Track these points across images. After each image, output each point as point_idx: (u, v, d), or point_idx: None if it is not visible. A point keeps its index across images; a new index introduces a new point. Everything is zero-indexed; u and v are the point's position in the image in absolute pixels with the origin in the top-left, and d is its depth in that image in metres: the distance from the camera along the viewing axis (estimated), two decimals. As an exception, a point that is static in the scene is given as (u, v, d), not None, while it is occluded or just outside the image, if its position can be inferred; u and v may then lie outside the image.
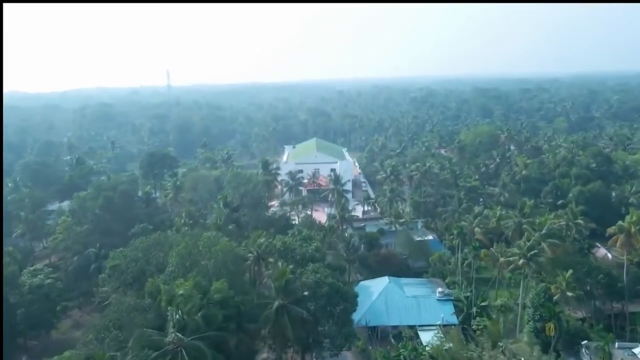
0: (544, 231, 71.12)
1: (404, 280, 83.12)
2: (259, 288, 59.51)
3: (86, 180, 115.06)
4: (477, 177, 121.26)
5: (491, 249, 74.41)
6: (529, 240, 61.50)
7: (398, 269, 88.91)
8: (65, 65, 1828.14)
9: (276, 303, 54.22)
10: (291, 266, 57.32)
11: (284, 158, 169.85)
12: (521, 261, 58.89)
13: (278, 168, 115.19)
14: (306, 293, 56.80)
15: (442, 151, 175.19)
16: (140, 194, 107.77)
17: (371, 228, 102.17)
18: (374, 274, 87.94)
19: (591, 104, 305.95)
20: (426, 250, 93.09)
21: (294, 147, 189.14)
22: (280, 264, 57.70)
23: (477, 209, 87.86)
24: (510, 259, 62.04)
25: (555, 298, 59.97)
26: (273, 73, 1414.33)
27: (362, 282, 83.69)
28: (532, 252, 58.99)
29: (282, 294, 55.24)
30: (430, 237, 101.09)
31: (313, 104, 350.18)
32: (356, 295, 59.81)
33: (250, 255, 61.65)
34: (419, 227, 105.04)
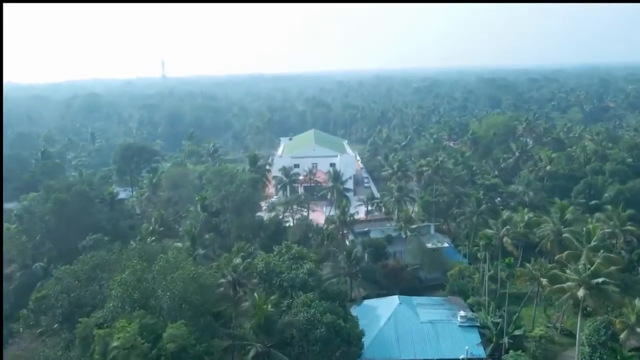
0: (593, 243, 57.02)
1: (417, 299, 69.11)
2: (235, 325, 45.42)
3: (52, 177, 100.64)
4: (496, 173, 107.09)
5: (527, 265, 60.15)
6: (591, 264, 46.90)
7: (409, 284, 75.11)
8: (62, 57, 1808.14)
9: (253, 350, 40.25)
10: (273, 297, 43.20)
11: (279, 151, 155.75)
12: (582, 292, 44.69)
13: (269, 164, 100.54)
14: (295, 331, 42.91)
15: (451, 144, 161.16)
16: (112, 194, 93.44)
17: (376, 233, 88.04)
18: (380, 288, 74.45)
19: (604, 93, 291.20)
20: (442, 261, 79.16)
21: (290, 139, 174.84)
22: (258, 294, 43.41)
23: (505, 214, 73.54)
24: (565, 286, 47.66)
25: (621, 337, 45.88)
26: (273, 64, 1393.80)
27: (366, 302, 69.74)
28: (598, 280, 44.50)
29: (263, 335, 41.30)
30: (446, 245, 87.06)
31: (312, 94, 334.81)
32: (362, 335, 45.92)
33: (223, 280, 47.45)
34: (432, 231, 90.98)
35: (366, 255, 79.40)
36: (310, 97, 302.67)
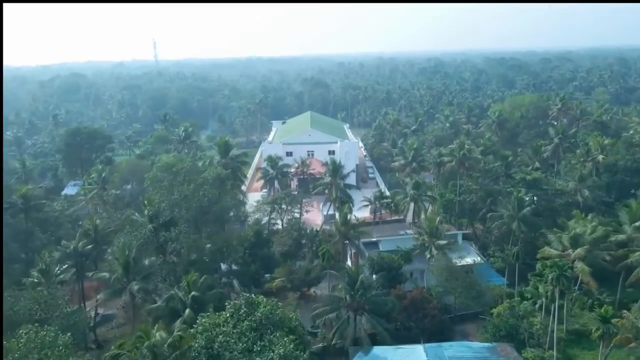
0: None
1: (449, 348, 48.59)
2: None
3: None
4: (537, 165, 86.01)
5: (628, 314, 39.38)
6: None
7: (435, 319, 54.49)
8: (56, 39, 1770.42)
9: None
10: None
11: (270, 137, 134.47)
12: None
13: (244, 154, 78.78)
14: None
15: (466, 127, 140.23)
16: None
17: (388, 245, 67.30)
18: (394, 325, 54.15)
19: (626, 74, 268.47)
20: (479, 288, 58.48)
21: (283, 122, 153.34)
22: None
23: (576, 227, 52.57)
24: None
25: None
26: (272, 47, 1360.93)
27: (377, 350, 49.34)
28: None
29: None
30: (480, 260, 66.41)
31: (311, 75, 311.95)
32: None
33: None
34: (459, 241, 70.10)
35: (374, 276, 59.12)
36: (309, 77, 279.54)
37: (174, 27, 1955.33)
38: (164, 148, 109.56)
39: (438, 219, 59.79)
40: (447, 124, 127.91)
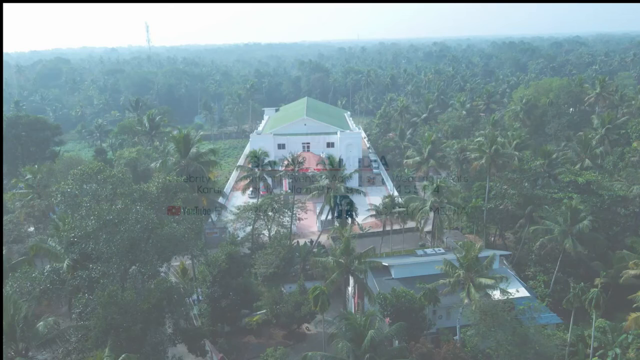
0: None
1: None
2: None
3: None
4: (588, 163, 69.28)
5: None
6: None
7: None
8: (52, 25, 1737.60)
9: None
10: None
11: (260, 127, 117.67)
12: None
13: (212, 152, 61.30)
14: None
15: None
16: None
17: (402, 271, 50.98)
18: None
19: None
20: (532, 337, 42.06)
21: (277, 110, 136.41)
22: None
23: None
24: None
25: None
26: (271, 33, 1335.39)
27: None
28: None
29: None
30: (526, 292, 50.09)
31: (309, 59, 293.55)
32: None
33: None
34: (495, 265, 53.41)
35: (387, 321, 42.89)
36: (307, 61, 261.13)
37: (171, 14, 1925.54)
38: (134, 141, 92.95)
39: (479, 245, 43.07)
40: (464, 112, 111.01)
